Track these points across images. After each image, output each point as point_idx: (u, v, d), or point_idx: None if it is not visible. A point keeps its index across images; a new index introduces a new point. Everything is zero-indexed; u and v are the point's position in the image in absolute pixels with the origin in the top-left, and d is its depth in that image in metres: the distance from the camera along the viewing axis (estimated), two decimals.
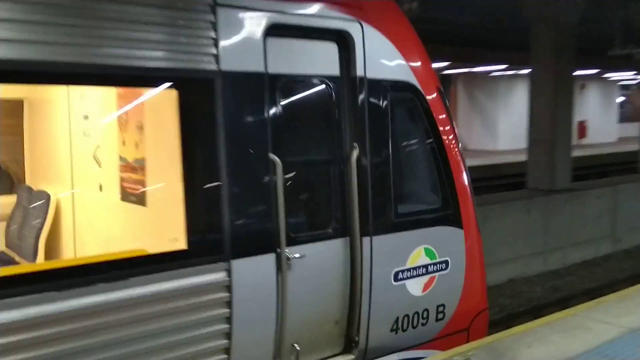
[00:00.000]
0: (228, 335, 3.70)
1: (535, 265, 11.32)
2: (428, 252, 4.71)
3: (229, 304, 3.67)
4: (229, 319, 3.69)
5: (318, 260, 4.15)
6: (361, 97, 4.32)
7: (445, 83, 28.79)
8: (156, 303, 3.39)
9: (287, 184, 3.98)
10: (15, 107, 6.15)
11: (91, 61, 3.24)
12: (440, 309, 4.85)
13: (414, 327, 4.72)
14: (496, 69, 26.00)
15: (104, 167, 4.99)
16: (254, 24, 3.81)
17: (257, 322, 3.83)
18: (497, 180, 19.19)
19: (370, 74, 4.34)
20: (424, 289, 4.72)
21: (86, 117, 5.23)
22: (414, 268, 4.63)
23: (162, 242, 3.83)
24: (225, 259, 3.65)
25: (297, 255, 3.99)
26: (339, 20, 4.25)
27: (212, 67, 3.63)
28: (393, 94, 4.51)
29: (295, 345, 4.11)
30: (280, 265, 3.88)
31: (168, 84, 3.60)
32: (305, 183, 4.26)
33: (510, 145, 26.06)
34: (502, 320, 8.56)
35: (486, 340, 4.74)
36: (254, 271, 3.77)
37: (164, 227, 4.15)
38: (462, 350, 4.49)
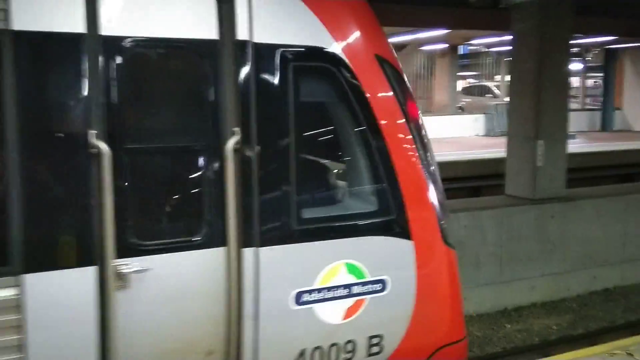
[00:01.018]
0: None
1: None
2: (352, 269, 3.70)
3: (19, 328, 2.94)
4: (19, 348, 2.95)
5: (174, 275, 3.27)
6: (245, 68, 3.36)
7: (610, 59, 26.43)
8: None
9: (123, 178, 3.17)
10: None
11: None
12: (375, 340, 3.83)
13: None
14: None
15: None
16: None
17: (67, 354, 3.05)
18: None
19: (259, 38, 3.38)
20: (346, 316, 3.72)
21: None
22: (328, 289, 3.64)
23: None
24: (13, 273, 2.92)
25: (135, 268, 3.13)
26: None
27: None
28: (297, 65, 3.52)
29: None
30: (105, 281, 3.07)
31: None
32: (153, 177, 3.39)
33: None
34: None
35: None
36: (59, 288, 3.00)
37: None
38: (624, 344, 4.18)
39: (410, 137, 3.80)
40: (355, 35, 3.74)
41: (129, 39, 3.13)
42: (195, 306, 3.31)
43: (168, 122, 3.40)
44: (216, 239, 3.32)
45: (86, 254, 3.04)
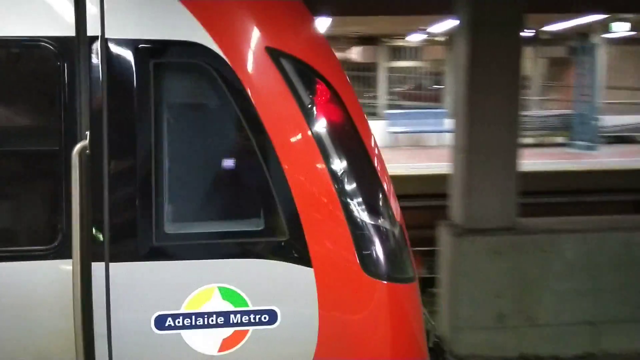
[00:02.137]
0: None
1: None
2: (227, 295, 3.33)
3: None
4: None
5: (17, 285, 3.25)
6: (95, 66, 3.18)
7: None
8: None
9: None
10: None
11: None
12: None
13: None
14: None
15: None
16: None
17: None
18: None
19: (112, 33, 3.17)
20: (222, 348, 3.35)
21: None
22: (197, 314, 3.33)
23: None
24: None
25: None
26: None
27: None
28: (159, 62, 3.22)
29: None
30: None
31: None
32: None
33: None
34: None
35: None
36: None
37: None
38: None
39: (314, 143, 3.27)
40: (240, 27, 3.32)
41: None
42: (45, 319, 3.25)
43: (12, 124, 3.32)
44: (63, 251, 3.22)
45: None
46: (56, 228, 3.21)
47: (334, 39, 21.16)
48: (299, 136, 3.30)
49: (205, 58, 3.20)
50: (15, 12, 3.13)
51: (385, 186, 3.50)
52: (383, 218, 3.46)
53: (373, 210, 3.40)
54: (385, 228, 3.45)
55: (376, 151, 3.60)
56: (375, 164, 3.50)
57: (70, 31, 3.14)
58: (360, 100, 4.06)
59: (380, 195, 3.46)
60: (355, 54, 26.38)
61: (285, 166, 3.24)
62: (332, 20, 15.81)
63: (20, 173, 3.32)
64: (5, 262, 3.21)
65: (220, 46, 3.20)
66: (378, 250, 3.38)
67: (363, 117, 3.57)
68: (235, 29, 3.30)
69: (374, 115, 23.42)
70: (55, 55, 3.15)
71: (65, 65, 3.15)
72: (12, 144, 3.27)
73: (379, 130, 20.08)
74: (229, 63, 3.21)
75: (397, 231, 3.47)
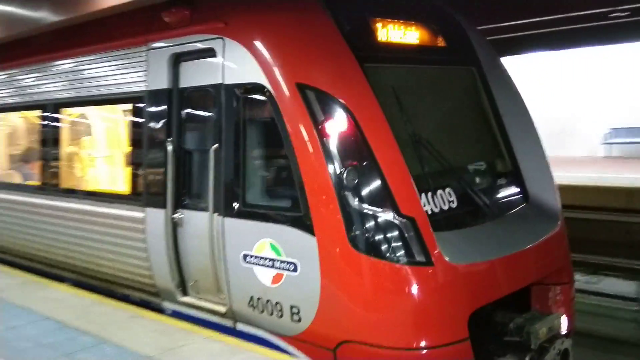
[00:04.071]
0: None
1: None
2: (273, 247, 4.80)
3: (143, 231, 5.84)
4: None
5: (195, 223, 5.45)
6: (222, 99, 5.24)
7: None
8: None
9: (178, 166, 5.60)
10: None
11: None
12: (295, 310, 4.73)
13: (270, 314, 4.87)
14: None
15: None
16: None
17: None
18: None
19: (227, 79, 5.19)
20: (273, 282, 4.83)
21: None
22: (260, 257, 4.89)
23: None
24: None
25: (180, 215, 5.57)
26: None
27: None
28: (245, 96, 5.11)
29: (188, 279, 5.57)
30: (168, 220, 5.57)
31: None
32: (189, 167, 5.64)
33: None
34: None
35: None
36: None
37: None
38: None
39: (322, 153, 4.60)
40: (280, 69, 4.86)
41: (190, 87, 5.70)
42: (203, 251, 5.31)
43: (191, 135, 5.78)
44: (203, 206, 5.35)
45: (163, 202, 5.61)
46: (206, 191, 5.26)
47: None
48: (311, 148, 4.63)
49: (265, 93, 4.87)
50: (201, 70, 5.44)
51: (389, 186, 4.52)
52: (374, 206, 4.49)
53: (367, 202, 4.50)
54: (373, 213, 4.48)
55: (389, 156, 4.63)
56: (382, 169, 4.54)
57: (219, 79, 5.20)
58: None
59: (379, 192, 4.53)
60: None
61: (302, 168, 4.65)
62: None
63: (195, 160, 5.57)
64: (191, 210, 5.46)
65: (271, 84, 4.84)
66: (366, 231, 4.46)
67: (378, 129, 4.68)
68: (277, 70, 4.84)
69: None
70: (215, 95, 5.26)
71: (220, 100, 5.20)
72: (190, 145, 5.61)
73: None
74: (274, 96, 4.81)
75: (395, 219, 4.45)
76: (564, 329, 5.34)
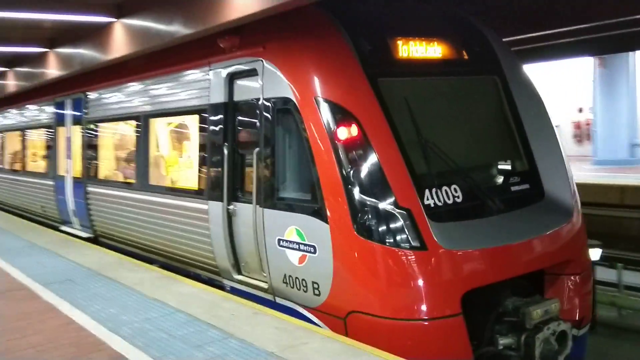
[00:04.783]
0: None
1: None
2: (298, 233, 5.76)
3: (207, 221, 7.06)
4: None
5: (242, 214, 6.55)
6: (259, 110, 6.33)
7: None
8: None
9: (234, 166, 6.70)
10: None
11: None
12: (315, 286, 5.63)
13: (298, 289, 5.82)
14: None
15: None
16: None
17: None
18: None
19: (265, 95, 6.26)
20: (299, 262, 5.75)
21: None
22: (289, 241, 5.85)
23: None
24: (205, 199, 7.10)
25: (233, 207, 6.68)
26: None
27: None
28: (279, 107, 6.10)
29: (241, 260, 6.64)
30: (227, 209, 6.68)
31: None
32: (240, 166, 6.75)
33: None
34: None
35: None
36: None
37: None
38: None
39: (332, 155, 5.52)
40: (303, 85, 5.87)
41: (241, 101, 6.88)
42: (249, 236, 6.40)
43: (239, 141, 6.91)
44: (249, 199, 6.41)
45: (221, 196, 6.77)
46: (251, 187, 6.35)
47: None
48: (325, 150, 5.56)
49: (291, 105, 5.87)
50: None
51: (389, 182, 5.34)
52: (375, 199, 5.31)
53: (368, 194, 5.34)
54: (375, 205, 5.30)
55: (389, 157, 5.45)
56: (384, 168, 5.37)
57: (259, 94, 6.27)
58: None
59: (379, 187, 5.35)
60: None
61: (318, 166, 5.59)
62: None
63: (244, 161, 6.63)
64: (241, 203, 6.55)
65: (296, 98, 5.84)
66: (368, 220, 5.29)
67: (380, 135, 5.52)
68: (300, 87, 5.86)
69: None
70: (256, 107, 6.36)
71: (261, 111, 6.26)
72: (240, 149, 6.69)
73: None
74: (298, 108, 5.81)
75: (393, 210, 5.28)
76: (574, 316, 6.01)
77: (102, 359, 4.90)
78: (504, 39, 7.82)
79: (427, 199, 5.49)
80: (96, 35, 9.29)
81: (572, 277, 6.15)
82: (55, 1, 8.21)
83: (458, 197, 5.71)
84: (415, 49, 6.16)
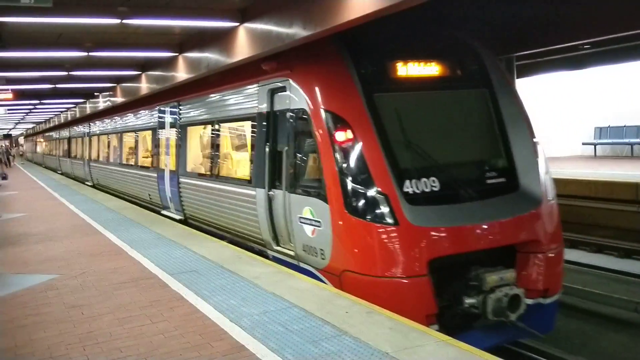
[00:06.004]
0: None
1: None
2: (310, 212, 7.50)
3: (254, 205, 8.92)
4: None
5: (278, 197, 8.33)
6: (276, 120, 8.57)
7: None
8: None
9: (273, 160, 8.45)
10: None
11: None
12: (322, 252, 7.32)
13: (312, 255, 7.51)
14: None
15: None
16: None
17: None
18: None
19: (276, 107, 8.49)
20: (312, 234, 7.49)
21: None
22: (306, 218, 7.60)
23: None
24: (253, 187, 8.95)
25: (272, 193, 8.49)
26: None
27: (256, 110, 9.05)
28: (294, 115, 7.98)
29: (278, 234, 8.45)
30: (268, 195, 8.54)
31: None
32: (276, 161, 8.45)
33: None
34: None
35: None
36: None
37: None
38: None
39: (331, 152, 7.23)
40: (314, 99, 7.61)
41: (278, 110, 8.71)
42: (281, 216, 8.26)
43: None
44: (276, 185, 8.41)
45: (263, 185, 8.65)
46: (282, 177, 8.24)
47: None
48: (327, 149, 7.27)
49: (307, 114, 7.64)
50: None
51: (372, 174, 6.92)
52: (361, 186, 6.93)
53: (355, 182, 6.97)
54: (360, 191, 6.93)
55: (373, 155, 7.02)
56: (368, 163, 6.97)
57: (287, 105, 8.17)
58: None
59: (365, 178, 6.93)
60: None
61: (322, 161, 7.31)
62: None
63: (278, 157, 8.39)
64: (277, 190, 8.32)
65: (309, 109, 7.61)
66: (355, 201, 6.95)
67: (368, 138, 7.09)
68: (312, 101, 7.58)
69: None
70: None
71: (289, 118, 8.09)
72: (276, 147, 8.48)
73: None
74: (310, 116, 7.56)
75: (374, 194, 6.86)
76: (539, 286, 7.26)
77: (225, 347, 5.16)
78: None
79: (407, 187, 7.00)
80: (221, 39, 9.78)
81: (539, 255, 7.30)
82: (185, 8, 8.74)
83: (435, 186, 7.15)
84: (407, 69, 7.64)
